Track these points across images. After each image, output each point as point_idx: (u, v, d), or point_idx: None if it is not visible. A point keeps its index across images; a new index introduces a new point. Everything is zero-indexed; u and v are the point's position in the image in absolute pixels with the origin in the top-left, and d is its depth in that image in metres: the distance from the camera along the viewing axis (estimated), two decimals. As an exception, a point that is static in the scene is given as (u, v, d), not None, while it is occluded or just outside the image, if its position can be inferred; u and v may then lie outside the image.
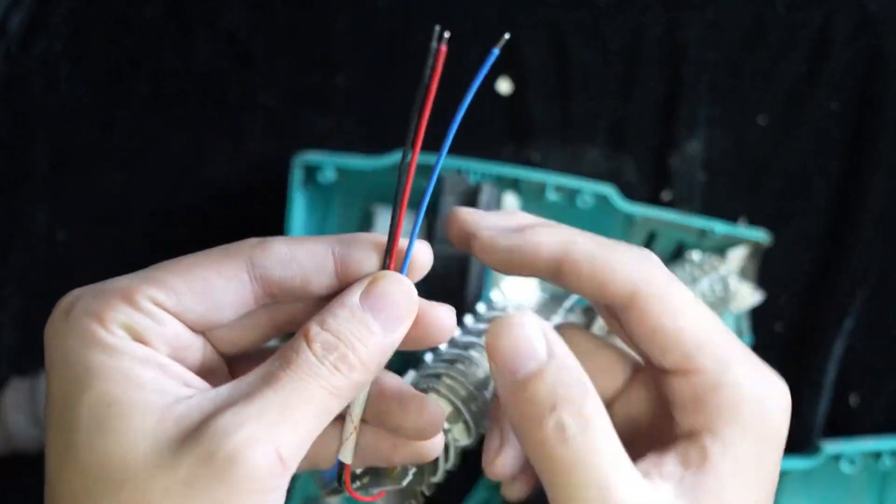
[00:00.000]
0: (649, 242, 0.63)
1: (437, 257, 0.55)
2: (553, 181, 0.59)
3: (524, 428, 0.32)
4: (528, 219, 0.36)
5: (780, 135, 0.68)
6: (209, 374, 0.36)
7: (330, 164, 0.59)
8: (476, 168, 0.59)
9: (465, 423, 0.42)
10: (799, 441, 0.62)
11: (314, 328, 0.33)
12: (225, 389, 0.32)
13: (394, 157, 0.59)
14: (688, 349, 0.33)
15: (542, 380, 0.31)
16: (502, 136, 0.67)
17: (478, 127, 0.67)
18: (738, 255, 0.62)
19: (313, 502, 0.64)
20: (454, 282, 0.57)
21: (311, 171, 0.60)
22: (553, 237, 0.35)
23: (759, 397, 0.33)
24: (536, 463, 0.32)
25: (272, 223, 0.67)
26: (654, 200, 0.66)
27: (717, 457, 0.33)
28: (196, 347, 0.36)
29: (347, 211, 0.62)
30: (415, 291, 0.35)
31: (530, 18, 0.68)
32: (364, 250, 0.36)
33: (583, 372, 0.32)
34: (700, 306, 0.34)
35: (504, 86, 0.67)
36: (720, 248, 0.62)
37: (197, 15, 0.67)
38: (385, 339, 0.34)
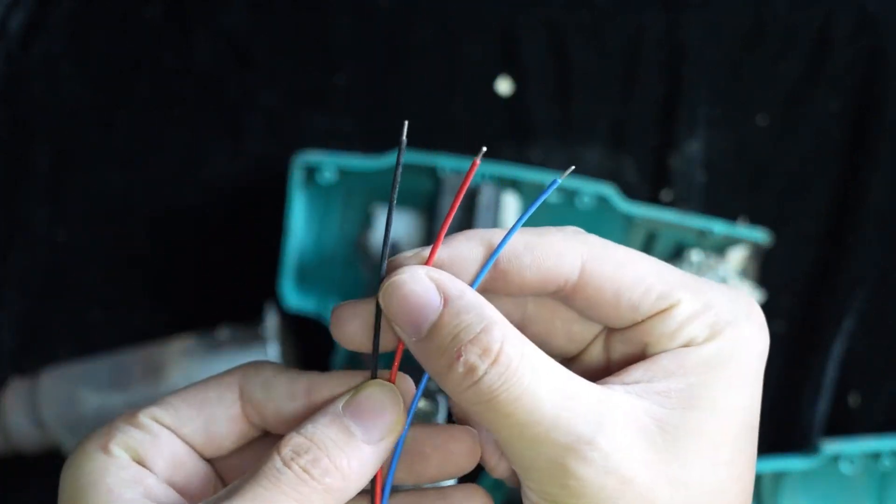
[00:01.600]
0: (649, 242, 0.63)
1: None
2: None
3: (442, 382, 0.30)
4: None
5: (780, 135, 0.68)
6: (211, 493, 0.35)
7: (330, 164, 0.59)
8: (476, 168, 0.59)
9: None
10: (799, 441, 0.62)
11: (290, 434, 0.31)
12: None
13: (394, 158, 0.59)
14: (661, 289, 0.32)
15: (441, 328, 0.30)
16: (502, 136, 0.67)
17: (478, 127, 0.67)
18: (738, 255, 0.62)
19: None
20: None
21: (310, 171, 0.60)
22: (477, 245, 0.33)
23: (736, 315, 0.32)
24: (475, 417, 0.31)
25: (272, 223, 0.67)
26: (654, 200, 0.66)
27: (693, 364, 0.31)
28: (200, 471, 0.35)
29: (347, 211, 0.62)
30: (400, 400, 0.33)
31: (530, 18, 0.68)
32: (335, 386, 0.34)
33: (484, 304, 0.30)
34: (645, 255, 0.33)
35: (504, 86, 0.67)
36: (720, 248, 0.62)
37: (197, 15, 0.67)
38: (367, 448, 0.32)
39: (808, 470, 0.59)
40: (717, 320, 0.32)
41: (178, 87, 0.67)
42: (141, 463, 0.33)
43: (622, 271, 0.32)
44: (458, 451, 0.33)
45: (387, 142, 0.60)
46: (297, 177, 0.59)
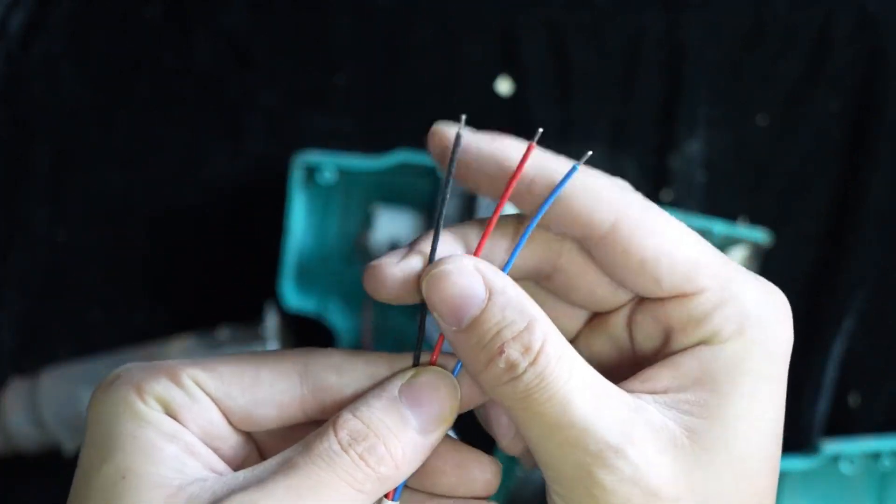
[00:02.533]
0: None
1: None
2: None
3: (479, 375, 0.30)
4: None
5: (780, 135, 0.68)
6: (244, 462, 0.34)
7: (330, 164, 0.59)
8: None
9: None
10: (798, 441, 0.62)
11: (345, 415, 0.31)
12: (242, 474, 0.30)
13: (394, 158, 0.59)
14: (686, 270, 0.32)
15: (484, 322, 0.30)
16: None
17: (478, 127, 0.67)
18: (738, 255, 0.62)
19: None
20: None
21: (310, 171, 0.60)
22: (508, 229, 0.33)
23: (763, 310, 0.32)
24: (505, 411, 0.31)
25: (272, 223, 0.67)
26: (654, 200, 0.66)
27: (719, 370, 0.31)
28: (233, 441, 0.34)
29: (347, 210, 0.63)
30: (459, 392, 0.32)
31: (530, 18, 0.68)
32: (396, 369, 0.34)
33: (528, 300, 0.30)
34: (684, 227, 0.33)
35: (504, 86, 0.67)
36: (720, 249, 0.62)
37: (197, 15, 0.67)
38: (420, 439, 0.31)
39: (808, 470, 0.59)
40: (743, 314, 0.31)
41: (178, 87, 0.67)
42: (175, 417, 0.32)
43: (652, 240, 0.32)
44: (477, 479, 0.33)
45: (387, 142, 0.60)
46: (297, 177, 0.59)
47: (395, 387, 0.32)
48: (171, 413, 0.32)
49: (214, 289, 0.66)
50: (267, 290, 0.63)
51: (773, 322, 0.32)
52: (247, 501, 0.29)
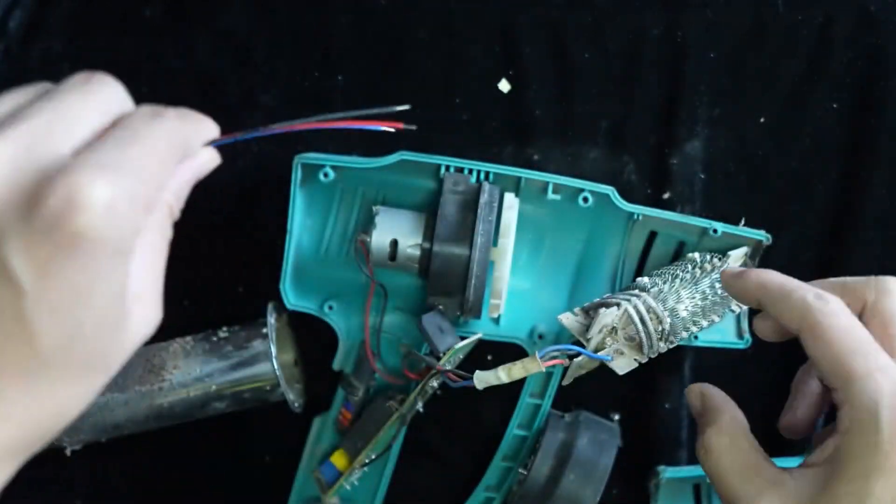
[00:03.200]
0: (649, 242, 0.63)
1: (438, 256, 0.56)
2: (554, 180, 0.59)
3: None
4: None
5: (780, 135, 0.68)
6: None
7: (330, 163, 0.59)
8: (476, 167, 0.59)
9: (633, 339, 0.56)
10: (799, 441, 0.62)
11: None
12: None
13: (394, 157, 0.59)
14: (832, 369, 0.42)
15: (699, 413, 0.49)
16: (502, 136, 0.67)
17: (478, 127, 0.67)
18: (738, 255, 0.62)
19: (313, 502, 0.64)
20: (454, 281, 0.57)
21: (311, 171, 0.60)
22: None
23: (872, 408, 0.40)
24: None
25: (272, 223, 0.67)
26: (654, 200, 0.66)
27: (839, 455, 0.41)
28: None
29: (349, 211, 0.62)
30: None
31: (530, 18, 0.68)
32: None
33: (720, 404, 0.49)
34: (847, 330, 0.43)
35: (504, 85, 0.67)
36: (720, 249, 0.62)
37: (197, 15, 0.67)
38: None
39: (809, 470, 0.59)
40: (855, 411, 0.41)
41: (178, 87, 0.67)
42: None
43: (816, 342, 0.43)
44: None
45: (387, 141, 0.60)
46: (297, 176, 0.59)
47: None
48: None
49: (214, 289, 0.66)
50: (268, 290, 0.63)
51: (878, 421, 0.39)
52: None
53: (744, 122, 0.68)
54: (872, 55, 0.68)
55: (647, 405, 0.66)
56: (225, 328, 0.63)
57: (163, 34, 0.67)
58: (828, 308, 0.43)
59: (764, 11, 0.68)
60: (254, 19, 0.67)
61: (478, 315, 0.58)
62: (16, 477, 0.65)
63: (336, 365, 0.63)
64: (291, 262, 0.61)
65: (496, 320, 0.63)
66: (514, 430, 0.64)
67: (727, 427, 0.45)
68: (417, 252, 0.58)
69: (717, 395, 0.48)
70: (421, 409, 0.61)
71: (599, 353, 0.55)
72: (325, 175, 0.59)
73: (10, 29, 0.67)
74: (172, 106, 0.44)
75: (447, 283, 0.57)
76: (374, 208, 0.60)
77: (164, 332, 0.64)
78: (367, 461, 0.61)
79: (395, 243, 0.58)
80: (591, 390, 0.64)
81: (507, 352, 0.68)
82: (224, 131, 0.68)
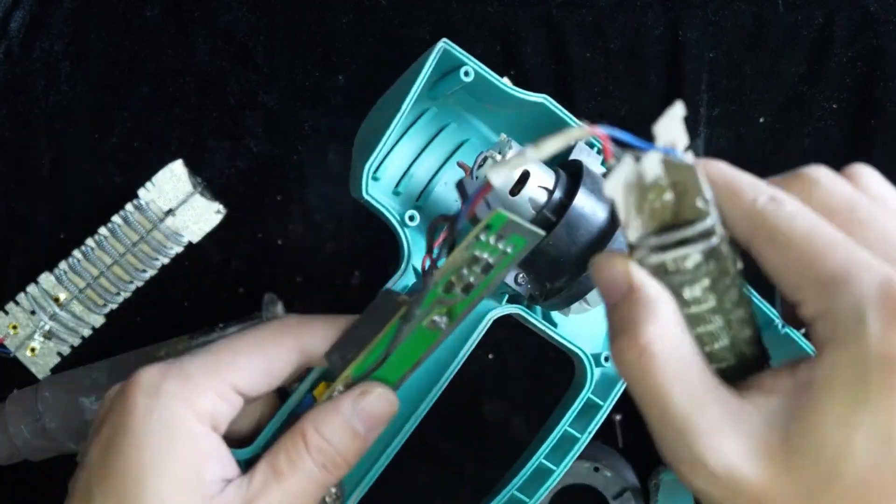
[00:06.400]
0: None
1: (574, 211, 0.46)
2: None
3: (610, 340, 0.34)
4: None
5: (780, 135, 0.68)
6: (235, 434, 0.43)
7: (474, 64, 0.50)
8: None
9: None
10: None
11: (310, 431, 0.40)
12: (246, 484, 0.39)
13: (539, 97, 0.52)
14: (795, 282, 0.33)
15: (618, 309, 0.34)
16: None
17: (478, 127, 0.67)
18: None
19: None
20: (569, 253, 0.46)
21: (449, 62, 0.50)
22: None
23: (858, 316, 0.31)
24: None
25: (272, 223, 0.67)
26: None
27: (816, 379, 0.31)
28: (245, 422, 0.43)
29: (451, 143, 0.52)
30: (396, 402, 0.42)
31: (531, 17, 0.68)
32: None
33: (657, 299, 0.34)
34: (813, 229, 0.33)
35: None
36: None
37: (197, 15, 0.67)
38: (367, 442, 0.41)
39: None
40: (836, 324, 0.32)
41: (178, 87, 0.67)
42: (216, 429, 0.40)
43: (772, 251, 0.34)
44: None
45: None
46: (433, 61, 0.49)
47: (345, 406, 0.41)
48: (216, 427, 0.40)
49: (214, 290, 0.66)
50: (266, 290, 0.63)
51: (865, 334, 0.31)
52: None
53: (744, 121, 0.68)
54: (872, 55, 0.68)
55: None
56: (222, 324, 0.63)
57: (163, 34, 0.67)
58: (783, 211, 0.34)
59: (764, 11, 0.68)
60: (254, 19, 0.67)
61: (562, 306, 0.48)
62: (36, 487, 0.65)
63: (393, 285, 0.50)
64: (384, 151, 0.50)
65: (555, 318, 0.53)
66: (567, 427, 0.53)
67: (672, 326, 0.33)
68: (544, 198, 0.46)
69: (651, 283, 0.34)
70: (442, 320, 0.41)
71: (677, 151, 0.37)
72: (466, 74, 0.50)
73: (11, 29, 0.67)
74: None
75: (559, 253, 0.45)
76: (502, 136, 0.49)
77: (165, 332, 0.64)
78: (353, 380, 0.42)
79: (525, 175, 0.46)
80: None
81: (510, 353, 0.67)
82: (224, 131, 0.68)
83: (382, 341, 0.40)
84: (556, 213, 0.46)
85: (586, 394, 0.53)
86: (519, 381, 0.67)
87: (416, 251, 0.50)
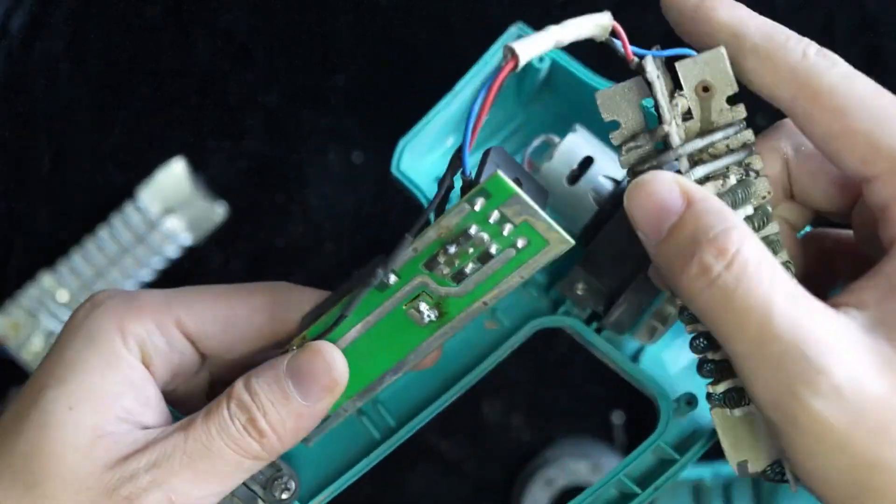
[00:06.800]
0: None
1: None
2: None
3: (674, 284, 0.29)
4: None
5: (780, 135, 0.68)
6: (198, 395, 0.37)
7: (551, 52, 0.42)
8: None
9: None
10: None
11: (239, 384, 0.33)
12: (160, 430, 0.33)
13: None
14: (863, 151, 0.29)
15: (682, 228, 0.29)
16: (502, 136, 0.67)
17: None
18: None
19: None
20: (633, 256, 0.38)
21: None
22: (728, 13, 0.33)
23: None
24: (700, 317, 0.29)
25: (272, 223, 0.67)
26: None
27: None
28: (196, 378, 0.37)
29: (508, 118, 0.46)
30: (341, 364, 0.34)
31: (531, 18, 0.68)
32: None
33: (727, 210, 0.29)
34: (876, 95, 0.30)
35: (504, 86, 0.67)
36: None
37: (197, 15, 0.67)
38: (304, 409, 0.33)
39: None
40: None
41: (178, 87, 0.67)
42: (147, 366, 0.34)
43: (828, 116, 0.29)
44: None
45: (388, 141, 0.60)
46: (500, 41, 0.45)
47: (283, 362, 0.34)
48: (146, 360, 0.34)
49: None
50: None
51: None
52: (147, 460, 0.32)
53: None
54: (872, 55, 0.68)
55: (647, 405, 0.66)
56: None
57: (163, 34, 0.67)
58: (839, 69, 0.30)
59: (764, 11, 0.68)
60: (254, 19, 0.67)
61: (623, 329, 0.40)
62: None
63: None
64: (431, 127, 0.46)
65: (637, 353, 0.43)
66: (622, 476, 0.40)
67: (750, 232, 0.29)
68: (610, 186, 0.40)
69: (710, 193, 0.30)
70: (428, 313, 0.34)
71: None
72: (541, 60, 0.44)
73: (11, 29, 0.67)
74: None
75: (620, 256, 0.38)
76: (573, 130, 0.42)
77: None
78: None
79: (588, 161, 0.40)
80: (590, 389, 0.64)
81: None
82: (224, 131, 0.68)
83: (343, 303, 0.34)
84: (616, 201, 0.38)
85: (656, 440, 0.40)
86: (519, 380, 0.67)
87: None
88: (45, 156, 0.67)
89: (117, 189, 0.67)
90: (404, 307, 0.34)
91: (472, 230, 0.31)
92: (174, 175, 0.65)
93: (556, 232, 0.31)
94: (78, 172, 0.67)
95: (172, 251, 0.65)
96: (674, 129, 0.32)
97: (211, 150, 0.67)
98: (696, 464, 0.61)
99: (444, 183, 0.32)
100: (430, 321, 0.34)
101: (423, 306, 0.34)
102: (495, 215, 0.31)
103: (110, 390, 0.33)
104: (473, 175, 0.32)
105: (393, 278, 0.33)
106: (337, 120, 0.67)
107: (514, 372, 0.67)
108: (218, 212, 0.65)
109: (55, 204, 0.67)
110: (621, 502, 0.40)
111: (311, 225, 0.67)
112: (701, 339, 0.32)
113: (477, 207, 0.31)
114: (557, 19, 0.71)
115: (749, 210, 0.31)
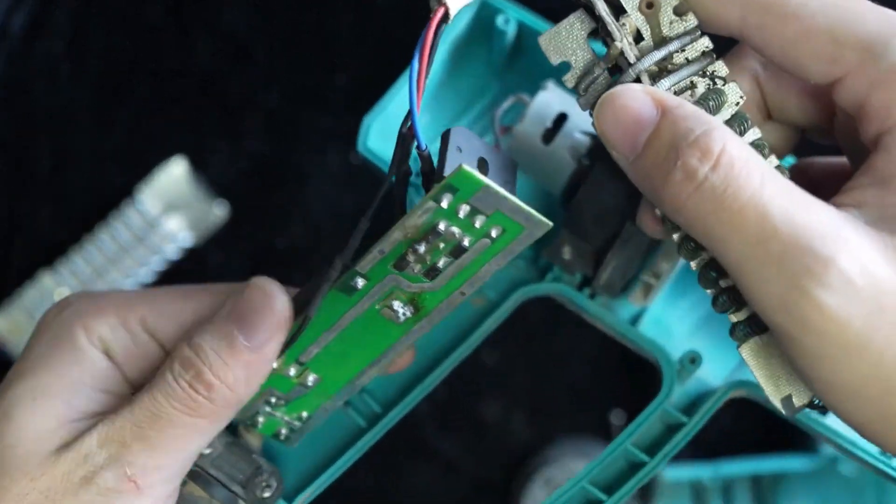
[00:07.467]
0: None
1: None
2: None
3: (658, 200, 0.27)
4: None
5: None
6: None
7: (515, 13, 0.40)
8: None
9: None
10: (799, 441, 0.62)
11: (182, 343, 0.32)
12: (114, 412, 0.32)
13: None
14: (829, 51, 0.27)
15: (659, 137, 0.27)
16: (502, 136, 0.67)
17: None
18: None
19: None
20: (616, 213, 0.38)
21: (486, 23, 0.41)
22: None
23: None
24: (690, 231, 0.27)
25: (272, 223, 0.67)
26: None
27: None
28: (156, 362, 0.35)
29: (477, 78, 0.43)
30: (283, 300, 0.32)
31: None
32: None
33: (704, 112, 0.27)
34: None
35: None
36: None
37: (197, 15, 0.67)
38: (253, 356, 0.31)
39: (808, 470, 0.59)
40: None
41: (178, 87, 0.67)
42: (113, 361, 0.34)
43: (782, 28, 0.27)
44: None
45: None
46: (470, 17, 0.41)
47: (227, 307, 0.32)
48: (111, 355, 0.33)
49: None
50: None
51: None
52: (96, 436, 0.31)
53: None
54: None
55: (646, 405, 0.66)
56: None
57: (163, 34, 0.67)
58: None
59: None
60: (254, 19, 0.67)
61: (615, 290, 0.38)
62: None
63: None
64: (398, 102, 0.44)
65: (636, 317, 0.41)
66: (628, 445, 0.39)
67: (732, 133, 0.27)
68: (588, 141, 0.38)
69: (684, 100, 0.28)
70: (402, 310, 0.33)
71: None
72: (507, 21, 0.40)
73: (12, 29, 0.67)
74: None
75: (603, 213, 0.36)
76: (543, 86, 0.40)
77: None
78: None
79: (562, 118, 0.38)
80: (590, 389, 0.64)
81: (511, 352, 0.67)
82: (224, 131, 0.68)
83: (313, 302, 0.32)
84: (592, 156, 0.36)
85: (661, 403, 0.39)
86: (519, 381, 0.67)
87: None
88: (45, 156, 0.67)
89: (117, 189, 0.67)
90: (377, 307, 0.32)
91: (441, 226, 0.29)
92: (174, 175, 0.65)
93: (532, 216, 0.29)
94: (78, 172, 0.67)
95: (172, 251, 0.65)
96: (627, 47, 0.30)
97: (211, 150, 0.67)
98: (696, 464, 0.62)
99: (396, 162, 0.30)
100: (407, 318, 0.32)
101: (397, 304, 0.32)
102: (465, 209, 0.29)
103: (74, 381, 0.32)
104: (428, 150, 0.30)
105: (361, 282, 0.31)
106: (337, 120, 0.67)
107: (514, 372, 0.67)
108: (218, 212, 0.65)
109: (55, 204, 0.67)
110: (630, 473, 0.38)
111: (311, 225, 0.67)
112: (709, 270, 0.29)
113: (444, 204, 0.29)
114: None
115: (725, 117, 0.29)
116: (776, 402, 0.30)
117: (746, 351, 0.29)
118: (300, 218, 0.67)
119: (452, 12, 0.30)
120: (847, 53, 0.27)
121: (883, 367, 0.24)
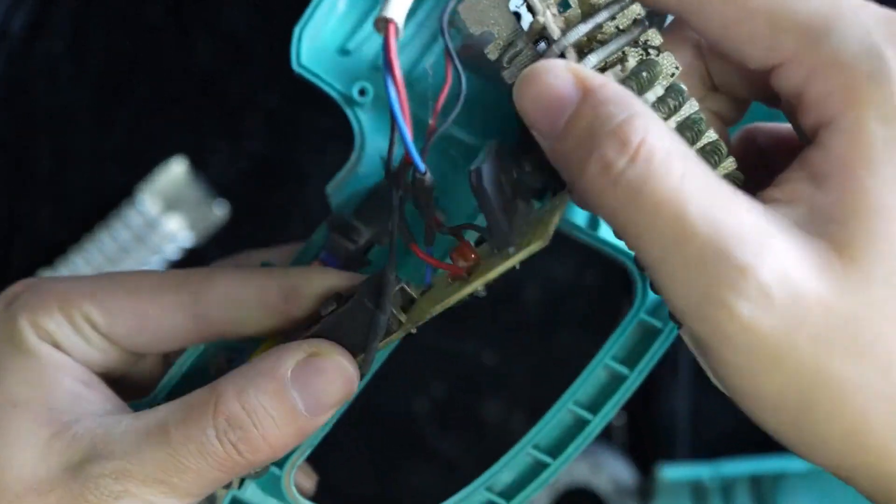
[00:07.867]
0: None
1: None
2: None
3: (576, 188, 0.26)
4: None
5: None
6: (136, 384, 0.35)
7: None
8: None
9: None
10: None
11: (229, 394, 0.29)
12: (123, 424, 0.30)
13: None
14: (765, 36, 0.26)
15: (578, 121, 0.25)
16: (502, 136, 0.67)
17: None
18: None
19: None
20: None
21: None
22: None
23: (871, 58, 0.24)
24: (608, 224, 0.26)
25: (272, 223, 0.67)
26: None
27: (843, 156, 0.24)
28: (123, 363, 0.34)
29: None
30: (355, 375, 0.30)
31: (530, 18, 0.68)
32: (314, 290, 0.33)
33: (631, 97, 0.25)
34: None
35: (504, 86, 0.67)
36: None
37: (197, 15, 0.67)
38: (307, 424, 0.29)
39: (808, 470, 0.59)
40: (846, 76, 0.25)
41: (178, 87, 0.67)
42: (71, 356, 0.32)
43: (719, 8, 0.26)
44: None
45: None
46: None
47: (287, 366, 0.29)
48: (63, 350, 0.32)
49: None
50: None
51: (887, 73, 0.24)
52: (119, 464, 0.29)
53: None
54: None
55: (646, 405, 0.66)
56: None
57: (163, 34, 0.67)
58: None
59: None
60: (254, 19, 0.67)
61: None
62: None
63: (330, 187, 0.44)
64: (334, 5, 0.41)
65: (594, 220, 0.39)
66: (608, 360, 0.38)
67: (656, 119, 0.25)
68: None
69: (609, 79, 0.26)
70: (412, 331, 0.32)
71: None
72: None
73: (12, 29, 0.67)
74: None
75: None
76: None
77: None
78: None
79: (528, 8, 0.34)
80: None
81: (511, 351, 0.67)
82: (224, 131, 0.68)
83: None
84: None
85: (637, 313, 0.37)
86: (519, 381, 0.67)
87: (376, 136, 0.41)
88: (45, 156, 0.67)
89: (117, 189, 0.67)
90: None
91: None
92: (174, 175, 0.65)
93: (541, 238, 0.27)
94: (78, 172, 0.67)
95: (172, 251, 0.65)
96: (550, 19, 0.28)
97: (211, 150, 0.67)
98: (696, 464, 0.62)
99: (396, 206, 0.29)
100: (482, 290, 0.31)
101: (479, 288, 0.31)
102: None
103: (46, 377, 0.31)
104: (428, 173, 0.29)
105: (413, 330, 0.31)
106: (337, 120, 0.67)
107: (514, 372, 0.67)
108: (218, 212, 0.65)
109: (55, 204, 0.67)
110: (613, 385, 0.38)
111: (311, 225, 0.67)
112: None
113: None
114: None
115: (659, 91, 0.27)
116: None
117: (685, 334, 0.27)
118: (300, 218, 0.67)
119: (401, 23, 0.28)
120: (785, 39, 0.25)
121: (800, 379, 0.23)
